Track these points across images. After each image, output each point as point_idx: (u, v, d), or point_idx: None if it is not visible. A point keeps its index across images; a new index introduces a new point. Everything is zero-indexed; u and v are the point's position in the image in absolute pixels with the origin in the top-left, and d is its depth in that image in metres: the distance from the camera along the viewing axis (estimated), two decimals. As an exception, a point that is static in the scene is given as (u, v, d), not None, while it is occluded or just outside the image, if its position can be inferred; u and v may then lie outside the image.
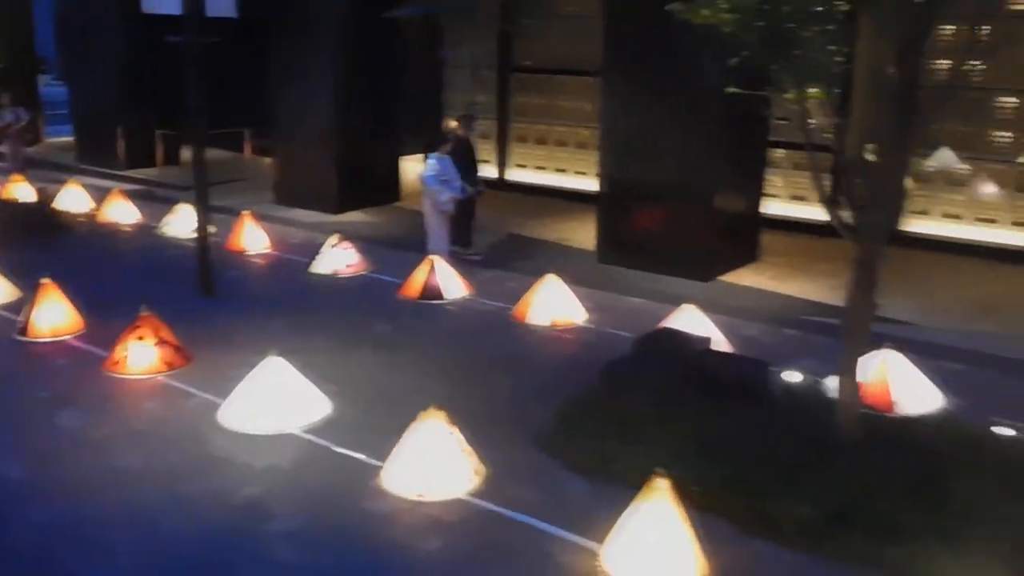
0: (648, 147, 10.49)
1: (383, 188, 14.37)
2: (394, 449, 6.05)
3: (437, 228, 10.88)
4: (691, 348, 7.47)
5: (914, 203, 11.68)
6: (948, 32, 9.62)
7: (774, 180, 12.47)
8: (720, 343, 8.19)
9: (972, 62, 10.93)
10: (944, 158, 11.46)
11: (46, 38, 24.06)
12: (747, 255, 11.17)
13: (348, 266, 10.93)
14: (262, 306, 9.75)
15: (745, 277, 10.61)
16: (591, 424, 6.42)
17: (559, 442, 6.36)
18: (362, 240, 11.76)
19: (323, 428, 6.81)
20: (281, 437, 6.66)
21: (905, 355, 7.44)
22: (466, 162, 11.21)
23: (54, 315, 8.72)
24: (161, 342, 7.90)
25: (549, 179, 15.19)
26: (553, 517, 5.61)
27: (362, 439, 6.55)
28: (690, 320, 8.30)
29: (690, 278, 10.27)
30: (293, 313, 9.41)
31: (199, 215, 9.90)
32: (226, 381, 7.25)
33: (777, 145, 12.07)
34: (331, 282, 10.67)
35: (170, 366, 7.85)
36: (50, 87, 26.27)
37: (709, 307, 8.75)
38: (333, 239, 11.05)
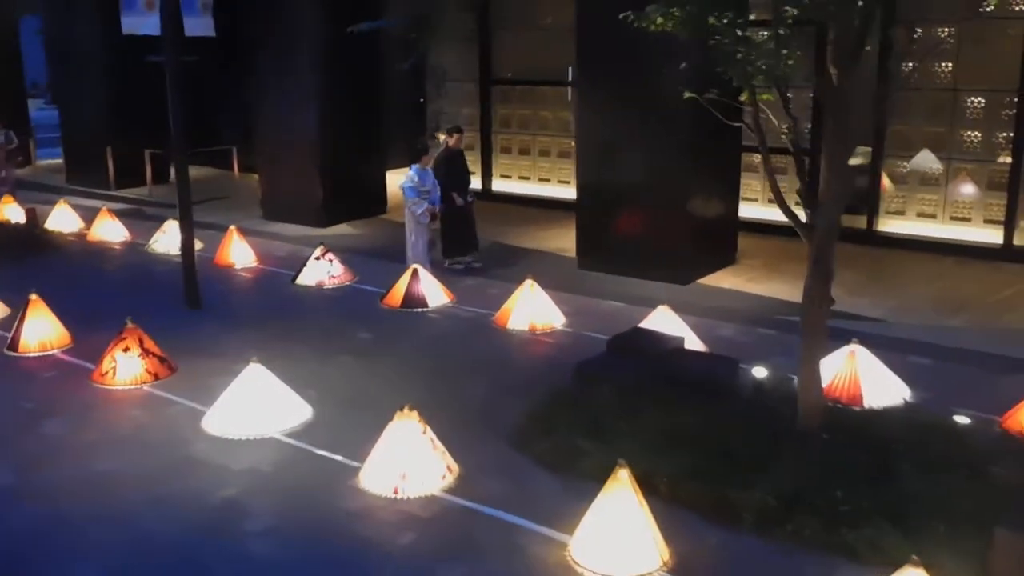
0: (622, 154, 10.71)
1: (369, 200, 14.57)
2: (371, 450, 6.23)
3: (416, 238, 11.08)
4: (663, 347, 7.66)
5: (890, 203, 11.96)
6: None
7: (751, 184, 12.70)
8: (693, 343, 8.37)
9: (941, 63, 11.24)
10: (924, 159, 11.70)
11: (39, 63, 24.37)
12: (725, 258, 11.37)
13: (332, 277, 11.12)
14: (247, 317, 9.94)
15: (722, 279, 10.81)
16: (562, 422, 6.60)
17: (531, 439, 6.54)
18: (347, 252, 11.96)
19: (303, 432, 6.99)
20: (261, 441, 6.84)
21: (874, 351, 7.64)
22: (458, 173, 11.39)
23: (42, 330, 8.90)
24: (146, 353, 8.08)
25: (533, 189, 15.41)
26: (524, 511, 5.79)
27: (340, 441, 6.73)
28: (664, 321, 8.49)
29: (668, 281, 10.47)
30: (277, 323, 9.60)
31: (183, 230, 10.10)
32: (209, 389, 7.44)
33: (753, 150, 12.26)
34: (315, 293, 10.86)
35: (155, 376, 8.03)
36: (42, 111, 26.58)
37: (685, 309, 8.95)
38: (317, 251, 11.25)
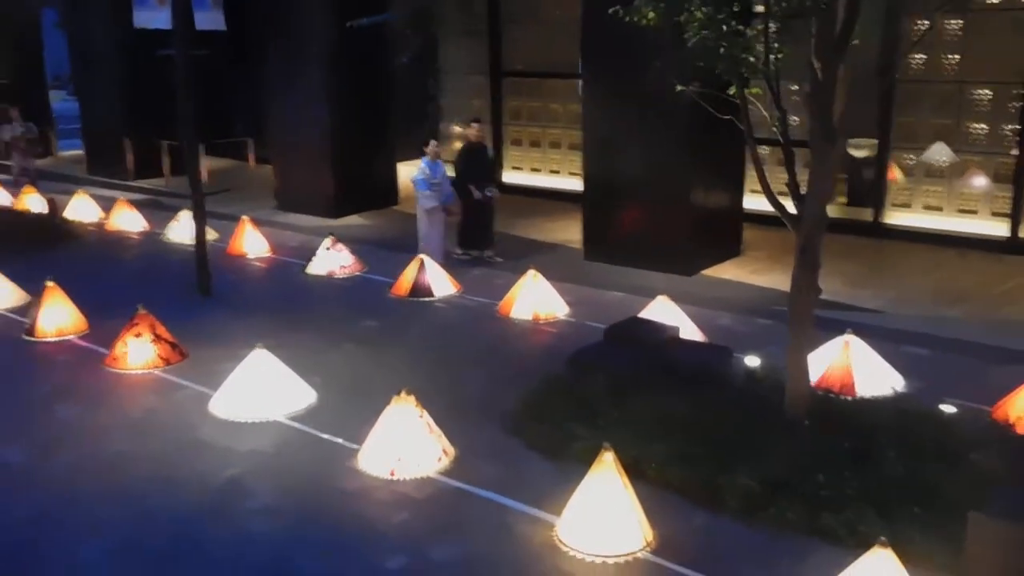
0: (627, 146, 10.84)
1: (380, 192, 14.77)
2: (370, 433, 6.43)
3: (428, 229, 11.25)
4: (658, 336, 7.80)
5: (896, 196, 11.99)
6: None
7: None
8: (691, 332, 8.50)
9: (947, 55, 11.26)
10: (938, 152, 11.72)
11: (62, 56, 24.73)
12: (730, 249, 11.46)
13: (342, 267, 11.33)
14: (257, 305, 10.17)
15: (726, 271, 10.92)
16: (555, 407, 6.77)
17: (524, 425, 6.72)
18: (358, 242, 12.16)
19: (306, 416, 7.20)
20: (266, 424, 7.06)
21: (870, 341, 7.73)
22: (476, 166, 11.51)
23: (59, 316, 9.18)
24: (157, 339, 8.33)
25: (544, 180, 15.54)
26: (515, 493, 5.97)
27: (342, 425, 6.94)
28: (663, 311, 8.62)
29: (672, 272, 10.58)
30: (286, 311, 9.82)
31: (196, 220, 10.34)
32: (217, 374, 7.66)
33: (759, 142, 12.33)
34: (325, 282, 11.07)
35: (166, 361, 8.27)
36: (65, 102, 26.96)
37: (686, 299, 9.08)
38: (328, 241, 11.46)
